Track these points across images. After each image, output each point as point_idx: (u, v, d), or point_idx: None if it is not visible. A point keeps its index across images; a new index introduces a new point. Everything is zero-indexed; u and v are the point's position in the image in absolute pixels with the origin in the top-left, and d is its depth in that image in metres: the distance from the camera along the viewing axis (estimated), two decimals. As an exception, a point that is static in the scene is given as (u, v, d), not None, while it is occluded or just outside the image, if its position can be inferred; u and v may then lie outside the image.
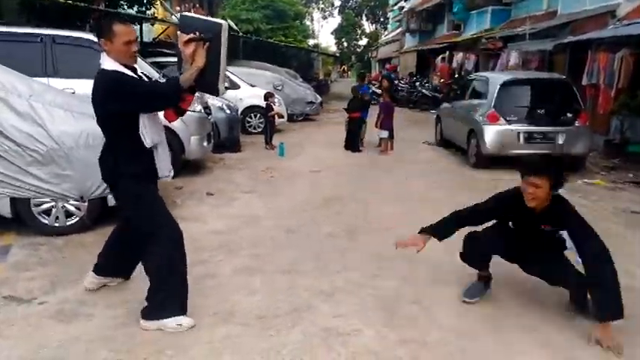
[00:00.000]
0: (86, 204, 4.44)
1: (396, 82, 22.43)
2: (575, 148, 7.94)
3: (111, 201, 4.50)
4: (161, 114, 3.02)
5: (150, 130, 2.88)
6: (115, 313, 3.15)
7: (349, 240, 4.69)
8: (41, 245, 4.27)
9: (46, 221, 4.44)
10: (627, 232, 5.07)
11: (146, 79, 3.00)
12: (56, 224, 4.47)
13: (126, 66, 2.84)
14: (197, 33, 2.81)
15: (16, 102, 4.15)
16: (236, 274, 3.82)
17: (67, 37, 6.67)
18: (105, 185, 4.23)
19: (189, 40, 2.80)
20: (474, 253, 3.50)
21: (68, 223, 4.50)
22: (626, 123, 9.21)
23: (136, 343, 2.82)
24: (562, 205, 3.14)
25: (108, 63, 2.81)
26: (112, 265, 3.43)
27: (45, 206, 4.40)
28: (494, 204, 3.38)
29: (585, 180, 7.54)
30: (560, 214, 3.13)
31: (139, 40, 2.93)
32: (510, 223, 3.36)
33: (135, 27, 16.57)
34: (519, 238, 3.31)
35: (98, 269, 3.43)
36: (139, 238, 3.04)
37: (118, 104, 2.76)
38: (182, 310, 3.02)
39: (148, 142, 2.88)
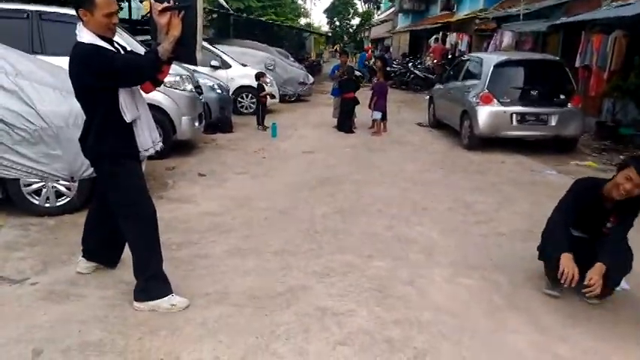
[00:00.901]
0: (76, 184, 4.39)
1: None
2: (568, 130, 7.96)
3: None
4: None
5: (130, 104, 2.82)
6: (107, 294, 3.13)
7: (343, 221, 4.68)
8: (32, 226, 4.22)
9: (37, 202, 4.38)
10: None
11: (122, 51, 2.92)
12: (47, 204, 4.41)
13: (103, 38, 2.76)
14: (171, 1, 2.75)
15: (3, 80, 4.06)
16: (229, 255, 3.81)
17: (54, 13, 6.51)
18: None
19: (164, 10, 2.73)
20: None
21: (59, 204, 4.45)
22: (618, 105, 9.23)
23: (129, 323, 2.81)
24: (635, 202, 3.13)
25: (85, 35, 2.72)
26: (97, 252, 3.39)
27: (35, 186, 4.34)
28: (577, 196, 3.31)
29: (577, 162, 7.58)
30: (629, 206, 3.13)
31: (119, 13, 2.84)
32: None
33: (124, 4, 16.26)
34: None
35: (87, 254, 3.40)
36: (115, 221, 3.01)
37: (95, 79, 2.69)
38: (169, 289, 3.01)
39: (128, 117, 2.81)
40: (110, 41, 2.83)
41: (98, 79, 2.70)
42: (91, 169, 4.21)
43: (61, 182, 4.38)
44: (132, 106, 2.84)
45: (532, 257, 3.87)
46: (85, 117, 2.92)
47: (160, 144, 3.18)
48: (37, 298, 3.06)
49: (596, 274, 2.95)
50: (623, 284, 3.37)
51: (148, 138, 2.98)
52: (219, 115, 9.29)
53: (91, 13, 2.70)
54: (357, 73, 10.18)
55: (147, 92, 3.05)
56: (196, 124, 7.29)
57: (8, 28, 6.11)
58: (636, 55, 8.74)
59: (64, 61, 5.74)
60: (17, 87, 4.09)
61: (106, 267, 3.44)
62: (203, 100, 8.02)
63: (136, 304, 2.97)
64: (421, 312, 3.05)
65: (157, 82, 3.03)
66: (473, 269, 3.69)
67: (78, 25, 2.76)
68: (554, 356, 2.67)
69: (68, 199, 4.46)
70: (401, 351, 2.65)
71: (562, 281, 3.00)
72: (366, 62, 24.62)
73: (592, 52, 9.85)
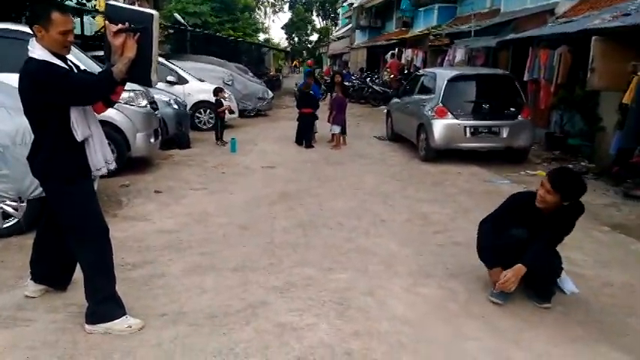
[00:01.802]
0: (25, 205, 4.21)
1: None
2: (518, 141, 8.25)
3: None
4: None
5: (81, 123, 2.74)
6: (57, 317, 3.00)
7: (303, 235, 4.67)
8: (-25, 249, 4.02)
9: (-19, 224, 4.19)
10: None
11: (75, 70, 2.86)
12: (-8, 227, 4.21)
13: (56, 55, 2.70)
14: (127, 24, 2.71)
15: (-57, 97, 3.88)
16: (186, 273, 3.73)
17: (2, 29, 6.29)
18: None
19: (119, 31, 2.69)
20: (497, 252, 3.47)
21: (6, 225, 4.26)
22: (566, 117, 9.63)
23: (80, 348, 2.70)
24: (574, 208, 3.30)
25: (38, 51, 2.64)
26: (46, 273, 3.24)
27: (-21, 208, 4.15)
28: (511, 207, 3.52)
29: (528, 171, 7.86)
30: (563, 215, 3.29)
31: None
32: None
33: (75, 20, 15.89)
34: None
35: (35, 277, 3.25)
36: (66, 242, 2.92)
37: (47, 96, 2.62)
38: (124, 310, 2.93)
39: (79, 136, 2.73)
40: (64, 59, 2.76)
41: (49, 96, 2.62)
42: (40, 189, 4.08)
43: (8, 203, 4.20)
44: (83, 124, 2.76)
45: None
46: (33, 135, 2.81)
47: (113, 164, 3.10)
48: (-19, 325, 2.91)
49: (511, 272, 3.21)
50: (573, 288, 3.50)
51: (100, 157, 2.90)
52: (176, 130, 9.15)
53: (46, 29, 2.64)
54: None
55: (99, 113, 2.96)
56: (152, 140, 7.15)
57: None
58: (581, 70, 9.17)
59: (10, 78, 5.55)
60: (-41, 104, 3.91)
61: (56, 290, 3.29)
62: (159, 116, 7.89)
63: (87, 327, 2.86)
64: (380, 323, 3.07)
65: (109, 103, 2.96)
66: (430, 278, 3.74)
67: (30, 41, 2.69)
68: (509, 361, 2.73)
69: (16, 220, 4.27)
70: (361, 363, 2.65)
71: (496, 292, 3.34)
72: (325, 78, 24.89)
73: (539, 66, 10.28)
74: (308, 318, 3.10)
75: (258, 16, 39.08)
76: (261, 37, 39.14)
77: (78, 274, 3.56)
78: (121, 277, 3.43)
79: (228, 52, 21.40)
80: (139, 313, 3.03)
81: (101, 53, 9.43)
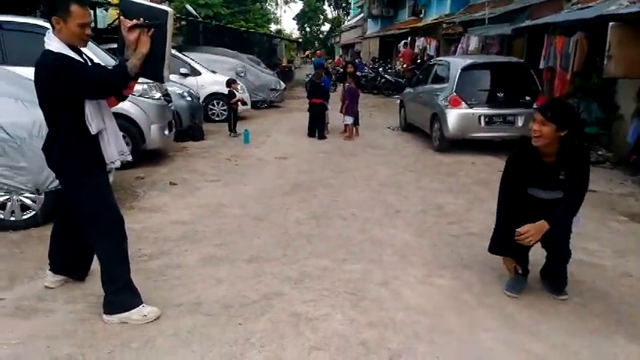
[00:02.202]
0: (42, 197, 4.28)
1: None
2: (534, 130, 8.14)
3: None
4: None
5: (95, 116, 2.78)
6: (75, 308, 3.05)
7: (317, 226, 4.68)
8: (-4, 241, 4.09)
9: (1, 215, 4.25)
10: (585, 210, 5.23)
11: (90, 63, 2.88)
12: (12, 218, 4.28)
13: (72, 48, 2.72)
14: (141, 19, 2.73)
15: (-38, 91, 3.94)
16: (201, 264, 3.77)
17: (16, 22, 6.36)
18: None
19: (133, 27, 2.71)
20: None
21: (24, 217, 4.33)
22: (582, 105, 9.49)
23: (99, 337, 2.75)
24: (577, 149, 3.12)
25: (55, 44, 2.67)
26: (64, 264, 3.30)
27: (-1, 200, 4.22)
28: (514, 163, 3.32)
29: (544, 161, 7.75)
30: (571, 157, 3.11)
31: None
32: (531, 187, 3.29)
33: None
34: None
35: (54, 267, 3.31)
36: (83, 233, 2.96)
37: (62, 88, 2.65)
38: (140, 299, 2.97)
39: (93, 129, 2.77)
40: (79, 52, 2.79)
41: (64, 88, 2.65)
42: (57, 181, 4.14)
43: (26, 195, 4.26)
44: (97, 117, 2.80)
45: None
46: (48, 127, 2.85)
47: (129, 156, 3.13)
48: (4, 315, 2.97)
49: (533, 227, 3.08)
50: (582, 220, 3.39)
51: (114, 149, 2.93)
52: (190, 122, 9.19)
53: (65, 21, 2.66)
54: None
55: (111, 106, 2.98)
56: (166, 132, 7.20)
57: (-33, 38, 5.94)
58: (597, 57, 9.01)
59: (26, 71, 5.62)
60: (-23, 98, 3.97)
61: (74, 280, 3.35)
62: (173, 108, 7.93)
63: (105, 317, 2.91)
64: (395, 313, 3.07)
65: (121, 97, 2.98)
66: (445, 269, 3.74)
67: (47, 33, 2.73)
68: (525, 353, 2.72)
69: (34, 212, 4.34)
70: (376, 353, 2.66)
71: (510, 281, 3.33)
72: (338, 68, 24.78)
73: (555, 54, 10.11)
74: (322, 308, 3.11)
75: (269, 7, 38.92)
76: (273, 27, 39.05)
77: (95, 264, 3.62)
78: (138, 267, 3.49)
79: (241, 43, 21.40)
80: (156, 303, 3.07)
81: (114, 46, 9.51)
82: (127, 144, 4.07)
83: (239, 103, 10.44)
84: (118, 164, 3.02)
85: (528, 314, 3.10)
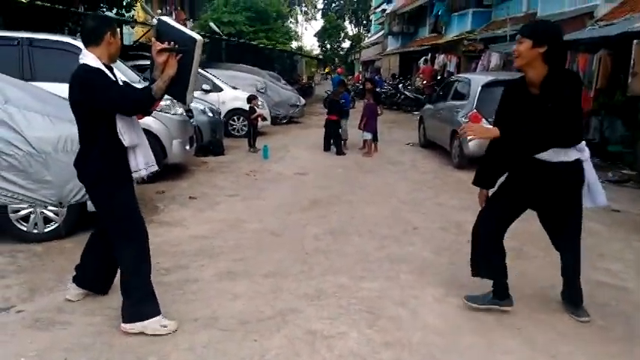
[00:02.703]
0: (65, 210, 4.36)
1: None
2: (556, 148, 8.02)
3: (90, 207, 4.43)
4: None
5: (127, 129, 2.91)
6: (93, 321, 3.08)
7: (334, 242, 4.67)
8: (19, 252, 4.17)
9: (25, 228, 4.35)
10: (607, 231, 5.13)
11: (121, 82, 3.01)
12: (35, 231, 4.37)
13: (105, 66, 2.88)
14: (172, 43, 2.87)
15: (-9, 107, 4.06)
16: (218, 278, 3.78)
17: (45, 40, 6.57)
18: (84, 191, 4.18)
19: (163, 50, 2.85)
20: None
21: (47, 230, 4.41)
22: (606, 123, 9.35)
23: (115, 351, 2.77)
24: (563, 75, 2.89)
25: (90, 59, 2.84)
26: (89, 279, 3.36)
27: (23, 212, 4.31)
28: (503, 98, 3.19)
29: (566, 179, 7.63)
30: (557, 84, 2.86)
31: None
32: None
33: (115, 30, 16.34)
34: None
35: (78, 281, 3.36)
36: (111, 247, 3.04)
37: (91, 101, 2.79)
38: (159, 310, 3.01)
39: (126, 142, 2.90)
40: (110, 69, 2.96)
41: (93, 101, 2.79)
42: (80, 195, 4.24)
43: (50, 208, 4.35)
44: (130, 130, 2.93)
45: (522, 275, 3.90)
46: (79, 141, 2.99)
47: (154, 167, 3.21)
48: (23, 326, 3.01)
49: (478, 126, 3.13)
50: (602, 200, 3.15)
51: (142, 160, 3.05)
52: (211, 137, 9.31)
53: (114, 36, 2.90)
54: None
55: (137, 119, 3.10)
56: (187, 147, 7.30)
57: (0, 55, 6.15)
58: (621, 74, 8.89)
59: (54, 87, 5.78)
60: (6, 114, 4.09)
61: (96, 294, 3.39)
62: (194, 124, 8.05)
63: (123, 325, 2.94)
64: (413, 333, 3.03)
65: (146, 113, 3.14)
66: (464, 288, 3.67)
67: (83, 49, 2.91)
68: (546, 375, 2.65)
69: (56, 225, 4.42)
70: (392, 373, 2.62)
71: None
72: (357, 84, 24.89)
73: (578, 71, 10.02)
74: (339, 326, 3.09)
75: (291, 24, 39.46)
76: (294, 44, 39.48)
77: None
78: (156, 281, 3.50)
79: (262, 60, 21.68)
80: (173, 317, 3.09)
81: (139, 62, 9.71)
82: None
83: (259, 118, 10.54)
84: (143, 174, 3.11)
85: (548, 336, 3.03)
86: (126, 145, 2.90)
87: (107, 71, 2.88)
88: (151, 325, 2.93)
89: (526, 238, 4.81)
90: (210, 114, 9.46)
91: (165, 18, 3.15)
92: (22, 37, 6.45)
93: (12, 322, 3.06)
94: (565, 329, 3.11)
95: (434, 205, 6.04)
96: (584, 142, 3.03)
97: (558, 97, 2.84)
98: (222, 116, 10.72)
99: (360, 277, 3.85)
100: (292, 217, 5.51)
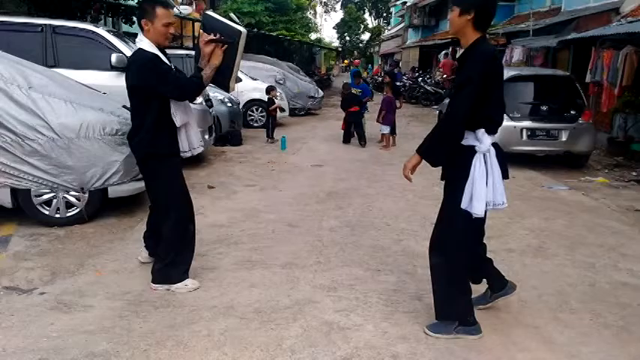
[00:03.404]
0: (86, 195, 4.42)
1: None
2: (579, 146, 7.90)
3: (112, 193, 4.49)
4: None
5: (180, 111, 3.15)
6: (113, 305, 3.13)
7: (351, 234, 4.66)
8: (42, 236, 4.25)
9: (47, 212, 4.42)
10: (630, 230, 5.04)
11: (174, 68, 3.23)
12: (57, 215, 4.44)
13: (158, 48, 3.10)
14: (217, 35, 3.10)
15: (15, 93, 4.12)
16: (236, 267, 3.80)
17: (68, 27, 6.63)
18: (106, 177, 4.26)
19: (210, 41, 3.08)
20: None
21: (69, 214, 4.48)
22: (630, 121, 9.16)
23: (135, 335, 2.81)
24: (472, 53, 2.68)
25: (146, 44, 3.05)
26: (154, 246, 3.59)
27: (46, 197, 4.38)
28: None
29: (588, 177, 7.51)
30: (463, 64, 2.71)
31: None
32: None
33: (136, 18, 16.48)
34: None
35: (149, 249, 3.68)
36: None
37: (147, 84, 3.02)
38: (187, 275, 3.38)
39: (178, 122, 3.15)
40: (164, 51, 3.16)
41: (149, 85, 3.03)
42: (102, 181, 4.31)
43: (72, 193, 4.42)
44: (181, 112, 3.20)
45: (542, 273, 3.84)
46: (132, 117, 3.22)
47: (200, 148, 3.48)
48: (46, 308, 3.07)
49: (407, 164, 2.97)
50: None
51: (195, 140, 3.34)
52: (230, 128, 9.35)
53: (152, 22, 3.06)
54: (354, 91, 10.33)
55: None
56: (206, 136, 7.34)
57: (23, 41, 6.23)
58: (648, 71, 8.69)
59: (77, 74, 5.85)
60: (29, 99, 4.15)
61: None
62: (213, 113, 8.08)
63: (152, 285, 3.30)
64: (429, 327, 3.01)
65: (193, 99, 3.39)
66: (481, 285, 3.63)
67: (139, 35, 3.13)
68: (564, 375, 2.62)
69: (78, 210, 4.49)
70: (408, 367, 2.62)
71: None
72: (375, 77, 24.71)
73: (602, 67, 9.81)
74: (355, 318, 3.09)
75: (310, 16, 39.29)
76: (313, 36, 39.35)
77: (133, 263, 3.72)
78: (174, 268, 3.56)
79: (281, 51, 21.69)
80: (191, 303, 3.13)
81: (171, 52, 9.78)
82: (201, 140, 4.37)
83: (277, 109, 10.55)
84: (188, 155, 3.38)
85: (568, 336, 2.99)
86: (177, 125, 3.16)
87: (162, 56, 3.08)
88: (176, 286, 3.29)
89: (546, 236, 4.76)
90: (230, 104, 9.49)
91: (210, 12, 3.37)
92: (45, 24, 6.52)
93: (35, 303, 3.13)
94: (585, 329, 3.06)
95: (452, 200, 5.98)
96: (489, 135, 2.80)
97: (456, 81, 2.69)
98: (241, 106, 10.74)
99: (376, 270, 3.85)
100: (309, 208, 5.51)
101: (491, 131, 2.79)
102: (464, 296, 2.88)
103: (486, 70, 2.62)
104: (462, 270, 2.86)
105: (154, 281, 3.31)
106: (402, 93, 17.56)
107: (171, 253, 3.30)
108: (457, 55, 19.44)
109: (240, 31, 3.17)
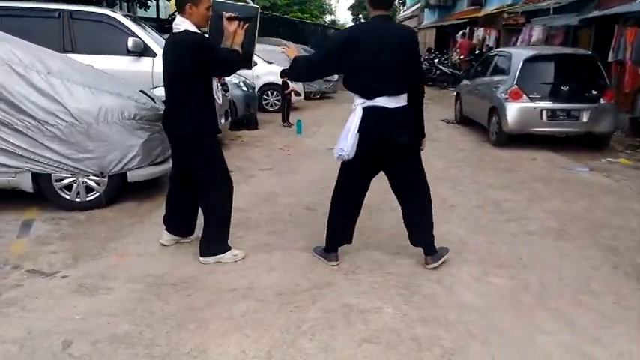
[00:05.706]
0: (106, 180, 4.46)
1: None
2: (600, 127, 7.74)
3: (131, 177, 4.52)
4: None
5: (217, 89, 3.32)
6: (135, 287, 3.17)
7: (369, 218, 4.64)
8: (63, 220, 4.31)
9: (68, 196, 4.48)
10: None
11: None
12: (77, 199, 4.50)
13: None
14: (236, 13, 3.24)
15: (35, 78, 4.15)
16: (254, 250, 3.82)
17: (85, 12, 6.65)
18: (125, 161, 4.29)
19: (232, 18, 3.21)
20: None
21: (89, 199, 4.53)
22: (654, 101, 8.94)
23: (156, 317, 2.84)
24: None
25: (189, 26, 3.17)
26: (179, 227, 3.78)
27: (66, 182, 4.43)
28: None
29: (609, 159, 7.37)
30: None
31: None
32: None
33: (151, 3, 16.41)
34: None
35: (169, 229, 3.79)
36: (192, 195, 3.55)
37: (196, 64, 3.12)
38: (229, 247, 3.59)
39: (220, 100, 3.34)
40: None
41: (199, 64, 3.13)
42: (121, 166, 4.35)
43: (91, 178, 4.46)
44: (217, 90, 3.38)
45: (563, 256, 3.80)
46: (169, 101, 3.35)
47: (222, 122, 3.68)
48: (68, 291, 3.12)
49: None
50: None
51: (221, 117, 3.49)
52: (245, 112, 9.33)
53: (196, 6, 3.19)
54: None
55: None
56: (222, 121, 7.32)
57: (40, 27, 6.26)
58: (673, 49, 8.43)
59: (94, 59, 5.86)
60: (49, 85, 4.18)
61: (184, 238, 3.83)
62: (229, 97, 8.07)
63: (202, 259, 3.49)
64: (449, 310, 3.00)
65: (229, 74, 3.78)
66: (502, 268, 3.61)
67: (177, 18, 3.25)
68: (587, 358, 2.59)
69: (97, 194, 4.54)
70: (428, 349, 2.61)
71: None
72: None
73: (625, 46, 9.56)
74: (374, 301, 3.09)
75: (325, -2, 38.82)
76: (327, 18, 38.95)
77: (154, 246, 3.76)
78: (194, 252, 3.59)
79: (295, 33, 21.53)
80: (211, 286, 3.16)
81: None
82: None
83: (292, 93, 10.50)
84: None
85: (591, 318, 2.95)
86: (219, 103, 3.37)
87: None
88: (225, 256, 3.51)
89: (567, 219, 4.69)
90: (245, 88, 9.46)
91: None
92: (62, 9, 6.54)
93: (58, 286, 3.18)
94: (609, 313, 3.02)
95: (471, 183, 5.93)
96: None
97: None
98: (256, 90, 10.71)
99: (395, 253, 3.83)
100: (326, 192, 5.47)
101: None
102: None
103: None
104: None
105: (203, 255, 3.49)
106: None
107: (223, 226, 3.51)
108: (477, 41, 19.14)
109: (257, 7, 3.43)
